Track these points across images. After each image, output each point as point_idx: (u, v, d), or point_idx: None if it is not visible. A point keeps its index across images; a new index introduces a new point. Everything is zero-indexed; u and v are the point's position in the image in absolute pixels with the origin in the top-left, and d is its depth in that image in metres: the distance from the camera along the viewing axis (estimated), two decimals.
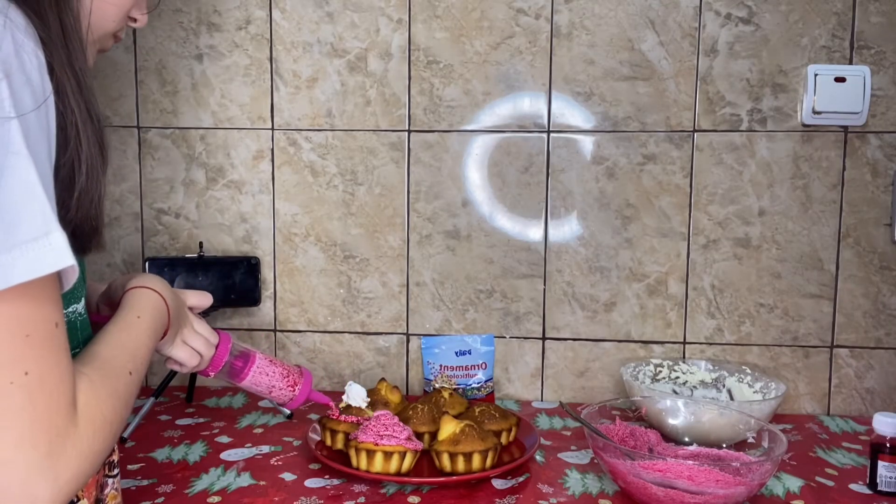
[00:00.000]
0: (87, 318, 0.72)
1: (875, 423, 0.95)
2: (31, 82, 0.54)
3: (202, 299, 0.91)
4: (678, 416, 1.05)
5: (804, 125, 1.26)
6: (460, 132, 1.33)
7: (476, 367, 1.31)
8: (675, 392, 1.23)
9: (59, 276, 0.56)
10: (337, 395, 1.03)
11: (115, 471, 0.72)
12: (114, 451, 0.73)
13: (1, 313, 0.52)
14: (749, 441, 0.99)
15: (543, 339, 1.35)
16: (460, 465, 0.95)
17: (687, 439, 1.04)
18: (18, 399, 0.52)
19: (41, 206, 0.52)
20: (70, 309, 0.68)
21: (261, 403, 1.29)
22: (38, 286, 0.53)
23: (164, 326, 0.80)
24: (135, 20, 0.77)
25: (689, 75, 1.28)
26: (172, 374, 1.28)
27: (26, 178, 0.52)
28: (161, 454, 1.06)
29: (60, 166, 0.58)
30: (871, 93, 1.23)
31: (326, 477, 0.98)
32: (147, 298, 0.78)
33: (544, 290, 1.34)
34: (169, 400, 1.31)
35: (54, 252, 0.52)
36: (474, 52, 1.31)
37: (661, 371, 1.26)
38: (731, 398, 1.21)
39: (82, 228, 0.62)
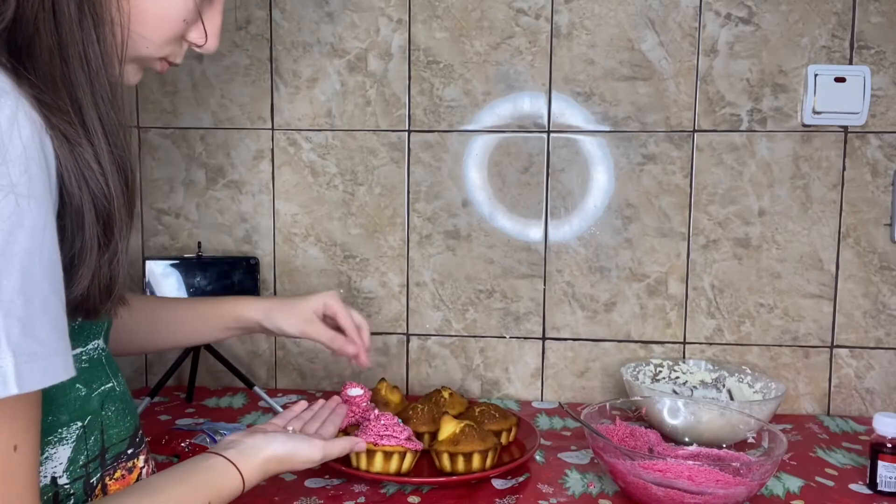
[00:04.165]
0: (110, 354, 0.68)
1: (875, 423, 0.95)
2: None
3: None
4: (678, 416, 1.05)
5: (804, 125, 1.26)
6: (460, 132, 1.33)
7: None
8: (675, 392, 1.23)
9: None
10: (336, 395, 1.03)
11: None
12: (146, 458, 0.72)
13: None
14: (749, 441, 0.99)
15: (543, 339, 1.35)
16: (460, 465, 0.95)
17: (687, 439, 1.04)
18: None
19: None
20: (91, 346, 0.65)
21: (260, 403, 1.28)
22: None
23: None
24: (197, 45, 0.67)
25: (689, 75, 1.28)
26: (169, 373, 1.28)
27: None
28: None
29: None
30: (871, 93, 1.23)
31: (326, 477, 0.98)
32: (227, 485, 0.69)
33: (544, 290, 1.33)
34: (169, 400, 1.31)
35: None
36: (474, 52, 1.31)
37: (661, 371, 1.26)
38: (731, 398, 1.21)
39: (88, 299, 0.56)
